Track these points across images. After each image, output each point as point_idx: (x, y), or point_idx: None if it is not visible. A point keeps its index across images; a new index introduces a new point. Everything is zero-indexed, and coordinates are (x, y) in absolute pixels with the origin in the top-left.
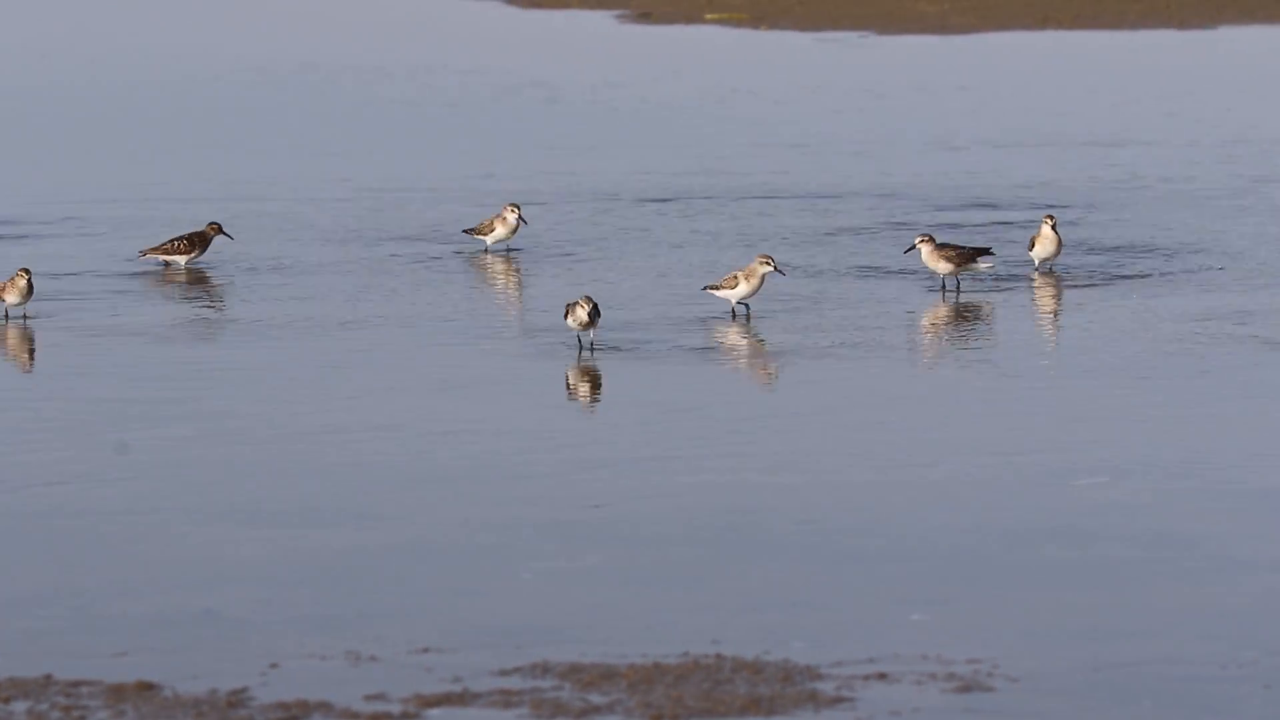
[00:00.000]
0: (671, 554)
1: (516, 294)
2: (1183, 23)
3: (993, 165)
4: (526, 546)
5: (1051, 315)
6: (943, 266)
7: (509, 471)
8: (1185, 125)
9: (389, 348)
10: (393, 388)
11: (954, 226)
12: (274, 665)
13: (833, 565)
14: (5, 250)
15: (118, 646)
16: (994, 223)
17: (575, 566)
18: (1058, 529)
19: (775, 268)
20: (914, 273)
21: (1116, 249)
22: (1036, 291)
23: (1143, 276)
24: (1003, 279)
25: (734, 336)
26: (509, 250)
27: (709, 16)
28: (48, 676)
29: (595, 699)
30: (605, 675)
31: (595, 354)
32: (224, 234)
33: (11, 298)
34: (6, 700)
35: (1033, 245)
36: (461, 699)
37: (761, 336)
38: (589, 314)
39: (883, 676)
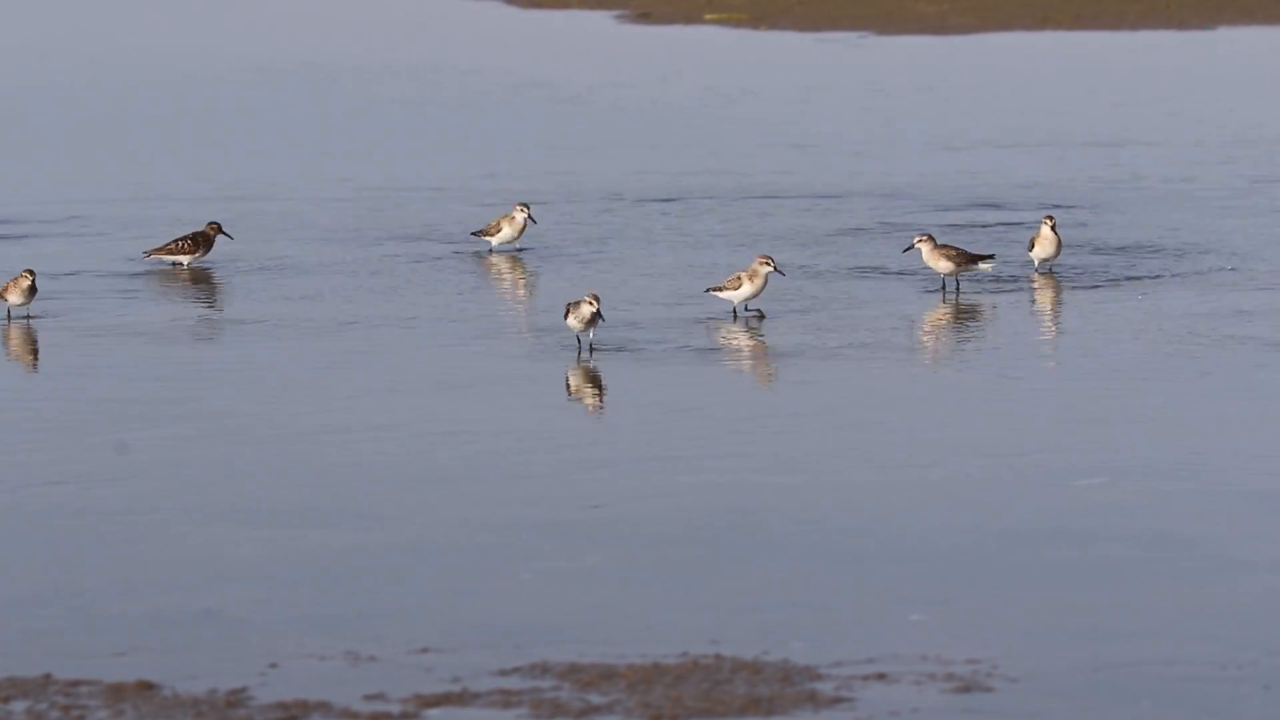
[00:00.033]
0: (671, 554)
1: (517, 294)
2: (1182, 23)
3: (995, 165)
4: (526, 546)
5: (1052, 316)
6: (943, 266)
7: (509, 471)
8: (1187, 125)
9: (389, 348)
10: (393, 388)
11: (957, 227)
12: (273, 665)
13: (832, 565)
14: (6, 250)
15: (117, 646)
16: (998, 223)
17: (575, 566)
18: (1057, 529)
19: (775, 268)
20: (915, 273)
21: (1120, 249)
22: (1037, 292)
23: (1147, 278)
24: (1003, 279)
25: (734, 337)
26: (518, 250)
27: (708, 17)
28: (47, 676)
29: (594, 699)
30: (604, 675)
31: (596, 354)
32: (224, 233)
33: (15, 298)
34: (6, 700)
35: (1032, 246)
36: (461, 699)
37: (761, 337)
38: (594, 313)
39: (882, 677)
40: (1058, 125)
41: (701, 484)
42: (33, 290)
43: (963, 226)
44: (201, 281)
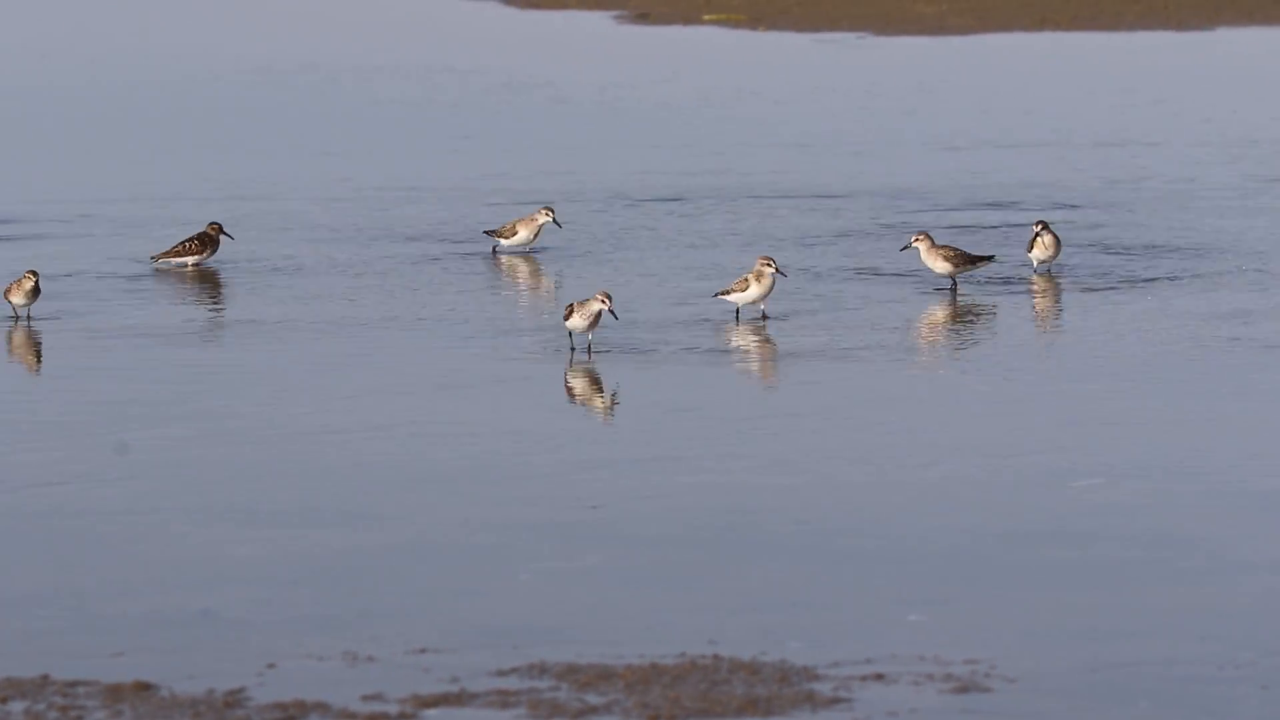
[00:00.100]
0: (669, 554)
1: (518, 294)
2: (1181, 24)
3: (997, 166)
4: (525, 547)
5: (1052, 316)
6: (940, 265)
7: (508, 472)
8: (1189, 126)
9: (389, 348)
10: (393, 388)
11: (959, 228)
12: (271, 665)
13: (830, 566)
14: (7, 251)
15: (115, 646)
16: (1004, 225)
17: (573, 567)
18: (1056, 530)
19: (777, 269)
20: (915, 274)
21: (1122, 249)
22: (1037, 293)
23: (1149, 279)
24: (1003, 280)
25: (734, 337)
26: (526, 251)
27: (707, 17)
28: (45, 676)
29: (593, 699)
30: (603, 675)
31: (596, 355)
32: (225, 234)
33: (18, 299)
34: (4, 700)
35: (1031, 247)
36: (459, 699)
37: (761, 337)
38: (601, 311)
39: (880, 677)
40: (1059, 126)
41: (700, 484)
42: (36, 291)
43: (968, 227)
44: (202, 282)
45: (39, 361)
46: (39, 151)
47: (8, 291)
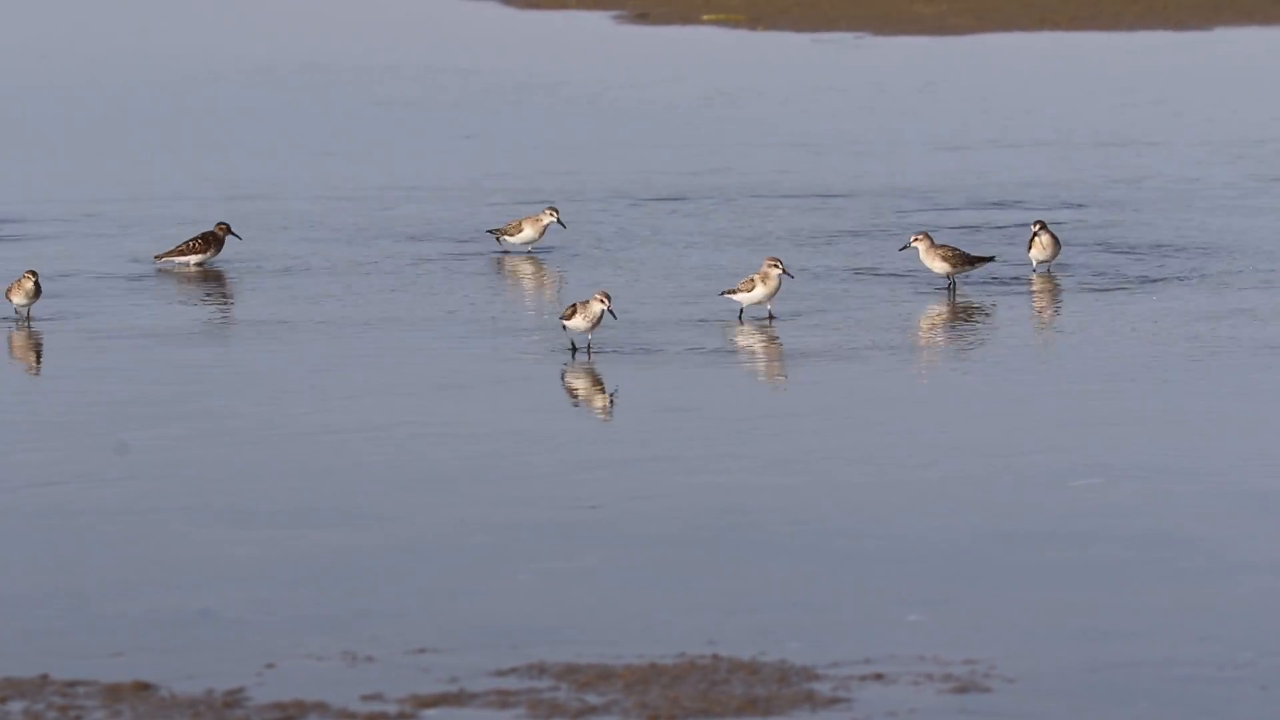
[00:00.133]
0: (669, 554)
1: (517, 294)
2: (1180, 24)
3: (999, 166)
4: (524, 547)
5: (1052, 316)
6: (939, 265)
7: (507, 472)
8: (1190, 126)
9: (389, 348)
10: (392, 388)
11: (968, 228)
12: (270, 665)
13: (830, 566)
14: (8, 251)
15: (114, 646)
16: (1009, 225)
17: (573, 567)
18: (1055, 530)
19: (784, 270)
20: (915, 274)
21: (1123, 249)
22: (1036, 292)
23: (1150, 279)
24: (1003, 280)
25: (734, 337)
26: (528, 251)
27: (706, 17)
28: (44, 676)
29: (592, 699)
30: (602, 675)
31: (595, 355)
32: (233, 234)
33: (18, 299)
34: (3, 700)
35: (1030, 247)
36: (458, 699)
37: (761, 337)
38: (604, 311)
39: (879, 677)
40: (1060, 125)
41: (699, 484)
42: (37, 291)
43: (972, 227)
44: (202, 282)
45: (39, 361)
46: (39, 152)
47: (9, 292)
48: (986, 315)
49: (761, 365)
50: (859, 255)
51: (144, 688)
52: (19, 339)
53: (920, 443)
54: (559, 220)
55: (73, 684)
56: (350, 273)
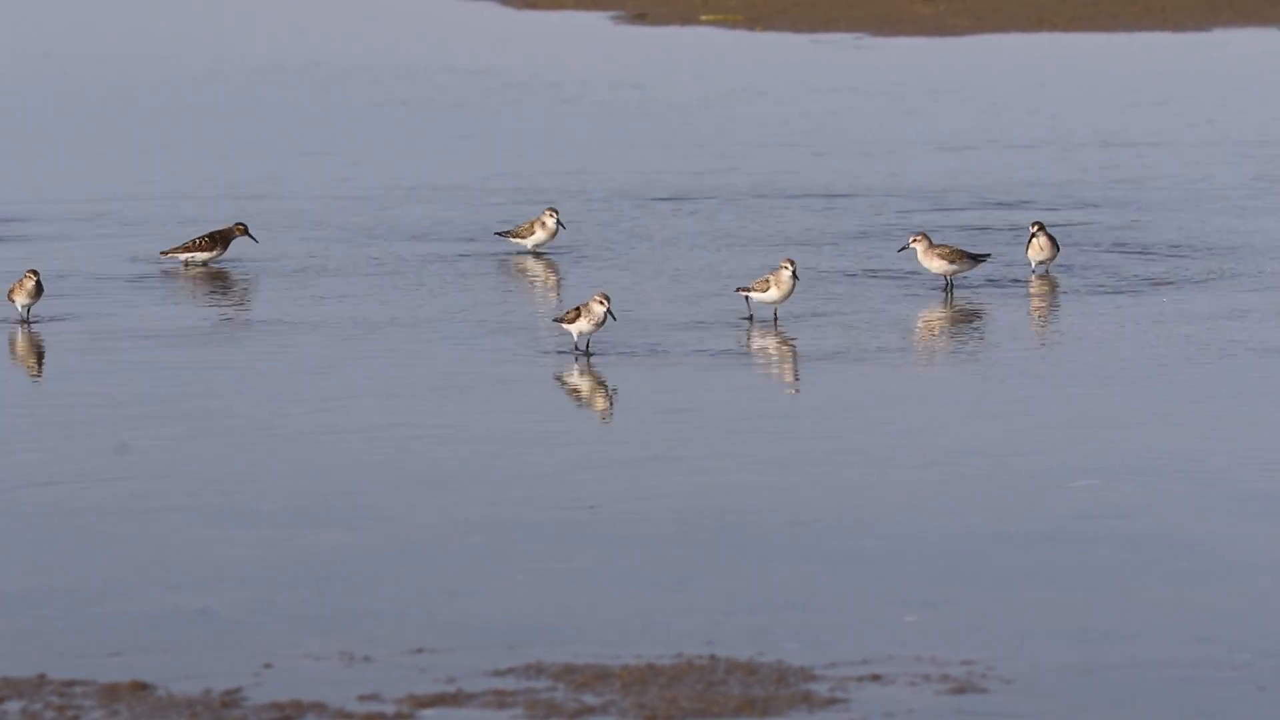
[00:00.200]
0: (666, 555)
1: (518, 294)
2: (1178, 25)
3: (1000, 166)
4: (522, 547)
5: (1050, 317)
6: (937, 265)
7: (505, 472)
8: (1190, 126)
9: (389, 348)
10: (392, 388)
11: (974, 228)
12: (268, 665)
13: (828, 566)
14: (9, 251)
15: (112, 646)
16: (1011, 226)
17: (571, 567)
18: (1054, 531)
19: (794, 273)
20: (914, 274)
21: (1126, 250)
22: (1034, 294)
23: (1150, 279)
24: (1002, 281)
25: (733, 338)
26: (536, 254)
27: (704, 18)
28: (41, 676)
29: (589, 699)
30: (599, 676)
31: (594, 356)
32: (250, 236)
33: (20, 299)
34: (1, 700)
35: (1028, 248)
36: (455, 699)
37: (763, 338)
38: (604, 313)
39: (877, 678)
40: (1061, 126)
41: (698, 485)
42: (38, 290)
43: (975, 228)
44: (203, 281)
45: (40, 361)
46: (41, 151)
47: (11, 291)
48: (986, 316)
49: (761, 366)
50: (861, 256)
51: (142, 687)
52: (20, 339)
53: (919, 443)
54: (559, 221)
55: (70, 684)
56: (351, 272)
